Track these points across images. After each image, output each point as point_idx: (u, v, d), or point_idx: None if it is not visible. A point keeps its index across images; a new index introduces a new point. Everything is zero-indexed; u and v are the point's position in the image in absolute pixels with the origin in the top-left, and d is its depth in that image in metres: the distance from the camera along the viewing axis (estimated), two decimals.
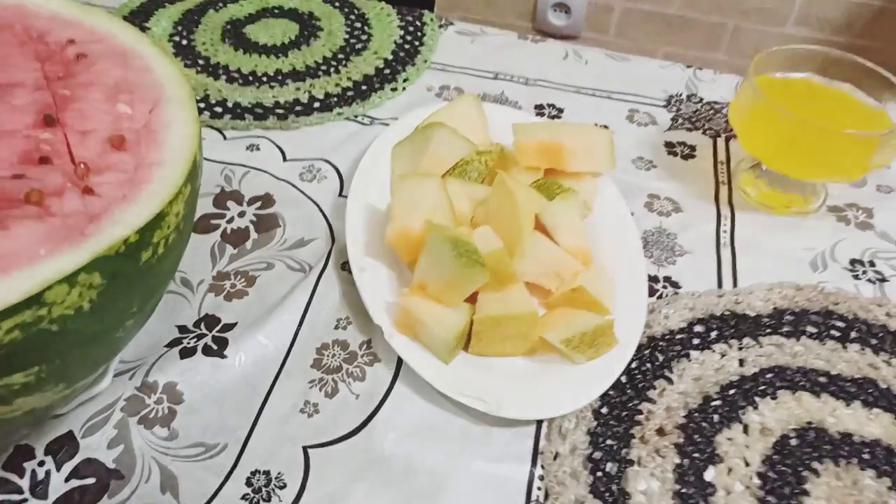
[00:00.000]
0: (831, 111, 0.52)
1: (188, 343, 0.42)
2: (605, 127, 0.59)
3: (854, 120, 0.51)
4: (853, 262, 0.50)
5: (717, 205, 0.53)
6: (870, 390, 0.42)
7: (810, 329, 0.45)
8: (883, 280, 0.49)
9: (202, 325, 0.43)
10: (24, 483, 0.35)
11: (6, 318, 0.25)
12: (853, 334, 0.45)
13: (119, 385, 0.39)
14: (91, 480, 0.36)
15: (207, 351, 0.41)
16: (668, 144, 0.58)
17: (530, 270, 0.43)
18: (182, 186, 0.33)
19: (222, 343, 0.42)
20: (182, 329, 0.42)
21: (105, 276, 0.28)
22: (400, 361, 0.42)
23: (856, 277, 0.49)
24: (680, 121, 0.61)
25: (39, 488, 0.35)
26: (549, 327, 0.41)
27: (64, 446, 0.37)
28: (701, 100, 0.63)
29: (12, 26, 0.41)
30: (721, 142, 0.59)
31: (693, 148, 0.58)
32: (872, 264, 0.50)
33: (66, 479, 0.36)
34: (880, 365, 0.43)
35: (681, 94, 0.64)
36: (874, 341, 0.45)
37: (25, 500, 0.35)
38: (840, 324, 0.45)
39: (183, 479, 0.36)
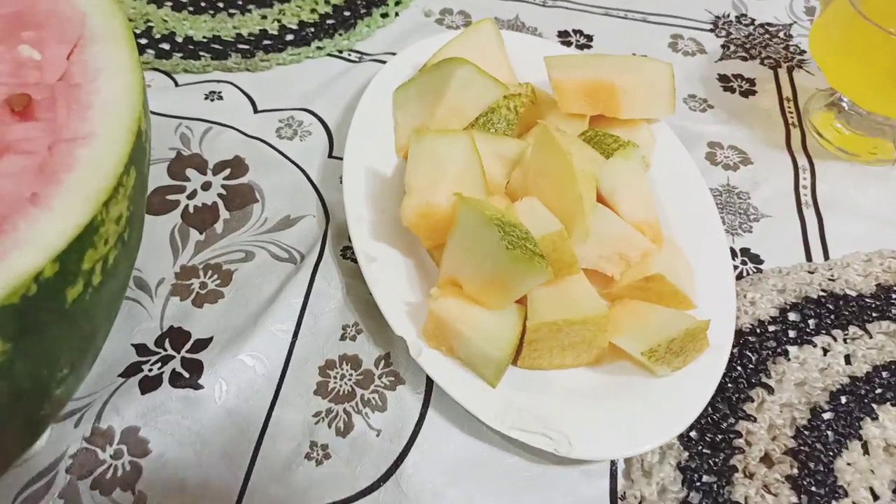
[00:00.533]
0: None
1: (150, 370, 0.31)
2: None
3: None
4: None
5: (790, 153, 0.44)
6: None
7: None
8: None
9: (167, 343, 0.32)
10: None
11: None
12: None
13: (61, 435, 0.29)
14: None
15: (176, 380, 0.31)
16: (723, 78, 0.48)
17: (590, 254, 0.34)
18: (122, 175, 0.22)
19: (195, 367, 0.31)
20: (141, 349, 0.32)
21: (7, 339, 0.18)
22: (431, 384, 0.32)
23: None
24: (732, 48, 0.50)
25: None
26: (621, 330, 0.32)
27: None
28: (752, 21, 0.53)
29: None
30: (783, 73, 0.49)
31: (752, 82, 0.48)
32: None
33: None
34: None
35: (728, 15, 0.53)
36: None
37: None
38: None
39: None
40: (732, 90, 0.48)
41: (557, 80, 0.39)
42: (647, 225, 0.35)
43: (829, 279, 0.38)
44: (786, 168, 0.43)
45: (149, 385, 0.31)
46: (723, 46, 0.51)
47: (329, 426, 0.31)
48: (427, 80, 0.38)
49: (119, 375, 0.31)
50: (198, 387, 0.31)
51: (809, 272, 0.38)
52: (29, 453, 0.28)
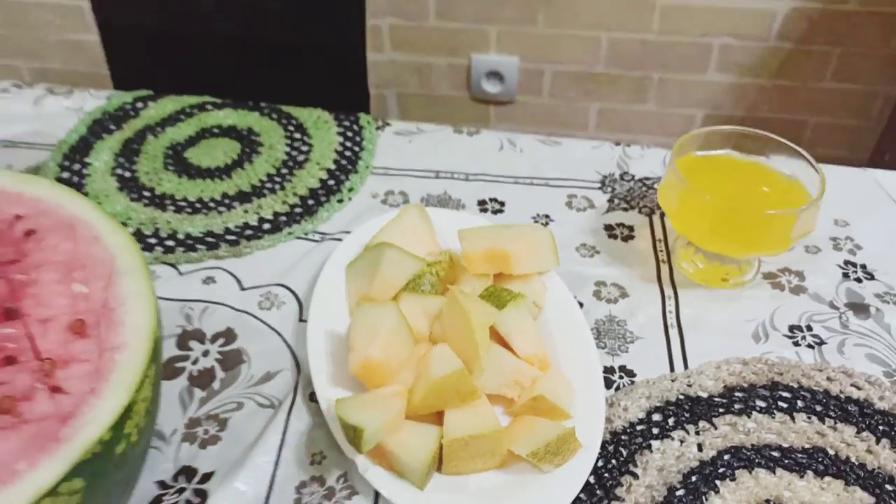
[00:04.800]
0: (751, 184, 0.56)
1: (169, 500, 0.42)
2: (547, 217, 0.62)
3: (773, 191, 0.55)
4: (791, 328, 0.53)
5: (660, 284, 0.57)
6: (820, 459, 0.45)
7: (760, 404, 0.48)
8: (821, 343, 0.52)
9: (180, 479, 0.43)
10: None
11: None
12: (799, 403, 0.48)
13: None
14: None
15: None
16: (608, 227, 0.62)
17: (491, 383, 0.45)
18: (146, 370, 0.34)
19: (202, 496, 0.42)
20: (161, 485, 0.43)
21: (85, 479, 0.29)
22: (377, 493, 0.43)
23: (795, 344, 0.52)
24: (616, 201, 0.64)
25: None
26: (515, 439, 0.43)
27: None
28: (633, 177, 0.67)
29: None
30: (657, 218, 0.62)
31: (631, 228, 0.62)
32: (810, 328, 0.53)
33: None
34: (827, 432, 0.46)
35: (613, 174, 0.67)
36: (819, 408, 0.48)
37: None
38: (786, 394, 0.48)
39: None
40: (615, 237, 0.61)
41: (465, 251, 0.52)
42: (535, 357, 0.47)
43: (687, 385, 0.49)
44: (656, 297, 0.55)
45: None
46: (608, 200, 0.64)
47: None
48: (366, 260, 0.51)
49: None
50: None
51: (671, 381, 0.49)
52: None
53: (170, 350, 0.51)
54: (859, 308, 0.55)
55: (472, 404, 0.44)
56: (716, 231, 0.52)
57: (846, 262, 0.58)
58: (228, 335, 0.52)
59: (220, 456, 0.45)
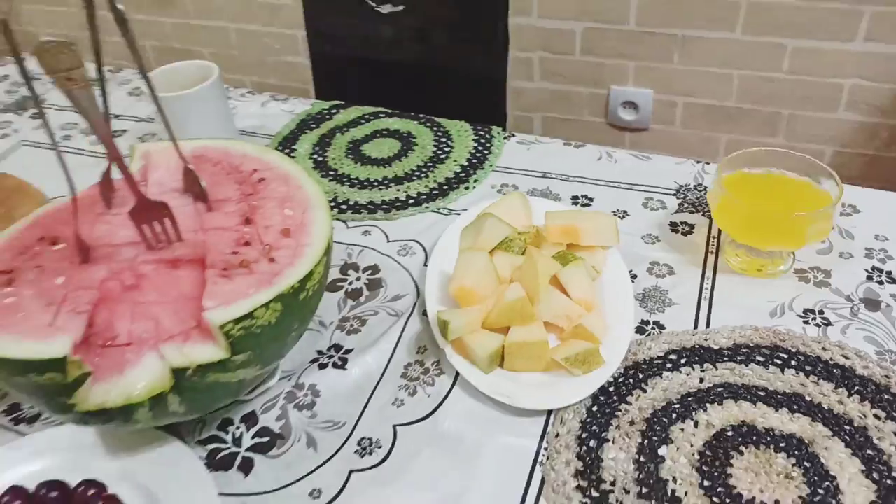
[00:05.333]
0: (787, 195, 0.69)
1: (323, 361, 0.64)
2: (624, 212, 0.79)
3: (798, 200, 0.67)
4: (805, 310, 0.66)
5: (703, 269, 0.71)
6: (795, 401, 0.58)
7: (759, 358, 0.62)
8: (828, 324, 0.64)
9: (332, 350, 0.65)
10: (228, 438, 0.59)
11: (236, 324, 0.48)
12: (793, 362, 0.61)
13: (282, 384, 0.62)
14: (266, 439, 0.58)
15: (335, 366, 0.64)
16: (672, 224, 0.77)
17: (547, 313, 0.63)
18: (322, 257, 0.56)
19: (344, 361, 0.64)
20: (319, 352, 0.65)
21: (283, 305, 0.52)
22: (457, 374, 0.62)
23: (805, 322, 0.65)
24: (685, 205, 0.79)
25: (236, 442, 0.58)
26: (556, 351, 0.60)
27: (250, 419, 0.60)
28: (704, 188, 0.81)
29: (220, 162, 0.67)
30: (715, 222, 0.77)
31: (692, 226, 0.76)
32: (822, 313, 0.65)
33: (252, 438, 0.59)
34: (808, 384, 0.59)
35: (688, 185, 0.82)
36: (808, 367, 0.60)
37: (228, 447, 0.58)
38: (783, 355, 0.62)
39: (320, 441, 0.58)
40: (677, 231, 0.76)
41: (547, 225, 0.70)
42: (583, 301, 0.64)
43: (704, 339, 0.64)
44: (697, 277, 0.70)
45: (322, 367, 0.64)
46: (679, 204, 0.80)
47: (405, 391, 0.61)
48: (474, 224, 0.71)
49: (308, 362, 0.64)
50: (344, 369, 0.63)
51: (692, 334, 0.64)
52: (267, 386, 0.61)
53: (334, 273, 0.74)
54: (872, 303, 0.66)
55: (530, 325, 0.62)
56: (747, 226, 0.66)
57: (873, 268, 0.69)
58: (374, 269, 0.74)
59: (359, 341, 0.66)
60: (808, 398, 0.58)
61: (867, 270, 0.69)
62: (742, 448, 0.55)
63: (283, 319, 0.52)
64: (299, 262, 0.55)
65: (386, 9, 1.04)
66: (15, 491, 0.54)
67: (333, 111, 1.01)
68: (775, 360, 0.61)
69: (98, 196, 0.61)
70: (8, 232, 0.59)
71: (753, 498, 0.52)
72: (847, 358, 0.61)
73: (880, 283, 0.68)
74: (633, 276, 0.70)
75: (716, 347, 0.63)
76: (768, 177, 0.70)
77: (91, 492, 0.54)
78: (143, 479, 0.55)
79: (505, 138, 0.93)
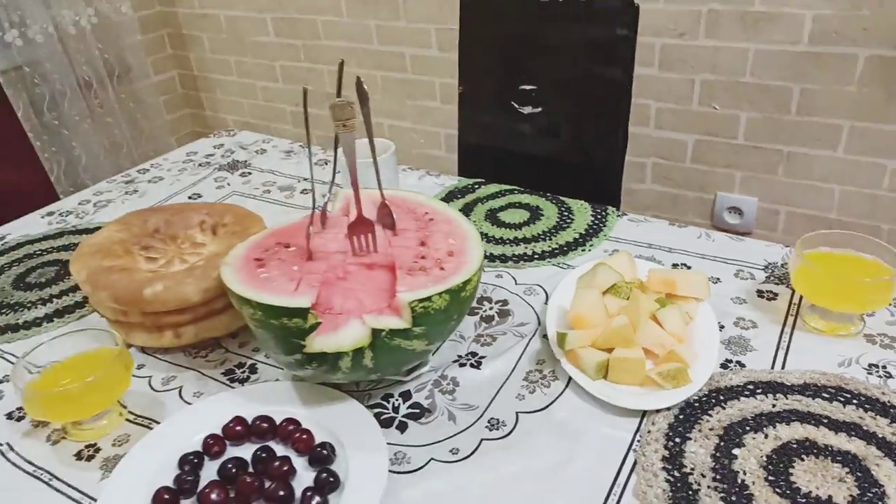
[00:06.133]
0: (856, 268, 0.82)
1: (462, 361, 0.82)
2: (718, 279, 0.94)
3: (870, 274, 0.81)
4: (870, 365, 0.77)
5: (783, 326, 0.84)
6: (854, 429, 0.70)
7: (825, 395, 0.74)
8: (889, 377, 0.76)
9: (469, 356, 0.83)
10: (389, 406, 0.77)
11: (419, 303, 0.68)
12: (854, 401, 0.73)
13: (430, 374, 0.80)
14: (417, 410, 0.76)
15: (472, 366, 0.81)
16: (759, 291, 0.91)
17: (644, 340, 0.78)
18: (477, 270, 0.75)
19: (479, 364, 0.82)
20: (459, 356, 0.83)
21: (450, 297, 0.71)
22: (569, 380, 0.78)
23: (868, 374, 0.76)
24: (772, 278, 0.93)
25: (395, 410, 0.76)
26: (652, 370, 0.75)
27: (406, 395, 0.78)
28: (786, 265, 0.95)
29: (402, 206, 0.89)
30: (797, 294, 0.90)
31: (776, 294, 0.90)
32: (885, 367, 0.77)
33: (407, 408, 0.77)
34: (866, 417, 0.71)
35: (776, 263, 0.96)
36: (867, 406, 0.72)
37: (389, 413, 0.76)
38: (846, 395, 0.74)
39: (458, 417, 0.75)
40: (763, 297, 0.90)
41: (650, 277, 0.86)
42: (676, 334, 0.79)
43: (779, 376, 0.77)
44: (777, 332, 0.83)
45: (462, 366, 0.81)
46: (766, 277, 0.94)
47: (526, 390, 0.78)
48: (589, 272, 0.89)
49: (451, 362, 0.82)
50: (479, 369, 0.81)
51: (768, 372, 0.77)
52: (420, 372, 0.80)
53: (473, 303, 0.93)
54: None
55: (631, 347, 0.77)
56: (817, 290, 0.80)
57: None
58: (504, 302, 0.92)
59: (491, 351, 0.84)
60: (864, 427, 0.70)
61: None
62: (804, 456, 0.67)
63: (449, 308, 0.71)
64: (461, 271, 0.74)
65: (527, 110, 1.27)
66: (238, 419, 0.74)
67: (476, 186, 1.23)
68: (839, 398, 0.73)
69: (307, 222, 0.85)
70: (253, 238, 0.83)
71: (810, 492, 0.64)
72: None
73: None
74: (721, 326, 0.85)
75: (788, 383, 0.76)
76: (843, 256, 0.84)
77: (291, 427, 0.73)
78: (328, 424, 0.73)
79: (618, 216, 1.11)
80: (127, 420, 0.79)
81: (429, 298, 0.69)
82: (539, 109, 1.29)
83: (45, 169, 1.47)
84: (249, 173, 1.36)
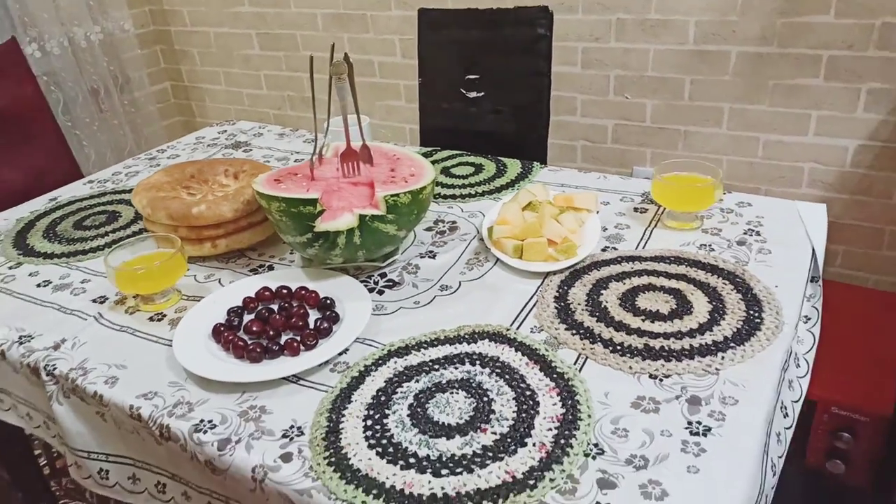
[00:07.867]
0: (693, 183, 1.18)
1: (422, 254, 1.16)
2: (606, 202, 1.29)
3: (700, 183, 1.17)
4: (701, 245, 1.13)
5: (647, 227, 1.20)
6: (681, 278, 1.05)
7: (667, 260, 1.09)
8: (712, 250, 1.11)
9: (427, 253, 1.17)
10: (371, 281, 1.10)
11: (391, 197, 1.01)
12: (685, 263, 1.08)
13: (400, 264, 1.14)
14: (390, 283, 1.10)
15: (429, 257, 1.15)
16: (635, 209, 1.27)
17: (548, 232, 1.13)
18: (430, 183, 1.09)
19: (434, 255, 1.16)
20: (420, 254, 1.17)
21: (411, 196, 1.05)
22: (497, 260, 1.13)
23: (699, 249, 1.12)
24: (646, 201, 1.29)
25: (374, 283, 1.10)
26: (552, 250, 1.10)
27: (382, 275, 1.11)
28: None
29: (376, 150, 1.23)
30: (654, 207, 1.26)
31: (647, 209, 1.26)
32: (710, 246, 1.13)
33: (384, 282, 1.10)
34: (689, 271, 1.06)
35: (650, 192, 1.32)
36: (692, 265, 1.07)
37: (370, 285, 1.09)
38: (681, 261, 1.09)
39: (419, 286, 1.09)
40: (637, 211, 1.25)
41: (555, 198, 1.22)
42: (571, 230, 1.14)
43: (638, 253, 1.12)
44: (641, 230, 1.19)
45: (422, 255, 1.15)
46: (642, 200, 1.29)
47: (468, 268, 1.12)
48: (514, 195, 1.23)
49: (415, 256, 1.16)
50: (433, 259, 1.15)
51: (632, 252, 1.12)
52: (393, 259, 1.13)
53: (430, 223, 1.26)
54: (739, 242, 1.13)
55: (537, 237, 1.12)
56: (668, 197, 1.16)
57: (749, 228, 1.16)
58: (453, 223, 1.27)
59: (442, 249, 1.18)
60: (688, 276, 1.05)
61: (743, 228, 1.17)
62: (646, 291, 1.02)
63: (412, 204, 1.05)
64: (420, 181, 1.08)
65: (472, 94, 1.63)
66: (265, 287, 1.07)
67: (434, 152, 1.58)
68: (676, 263, 1.09)
69: (308, 164, 1.18)
70: (269, 172, 1.16)
71: (647, 308, 0.99)
72: (715, 260, 1.08)
73: (748, 233, 1.15)
74: (604, 229, 1.20)
75: (644, 256, 1.11)
76: (687, 177, 1.21)
77: (304, 291, 1.06)
78: (329, 290, 1.06)
79: (541, 168, 1.46)
80: (182, 299, 1.11)
81: (397, 195, 1.03)
82: (483, 94, 1.65)
83: (75, 161, 1.78)
84: (251, 150, 1.69)
